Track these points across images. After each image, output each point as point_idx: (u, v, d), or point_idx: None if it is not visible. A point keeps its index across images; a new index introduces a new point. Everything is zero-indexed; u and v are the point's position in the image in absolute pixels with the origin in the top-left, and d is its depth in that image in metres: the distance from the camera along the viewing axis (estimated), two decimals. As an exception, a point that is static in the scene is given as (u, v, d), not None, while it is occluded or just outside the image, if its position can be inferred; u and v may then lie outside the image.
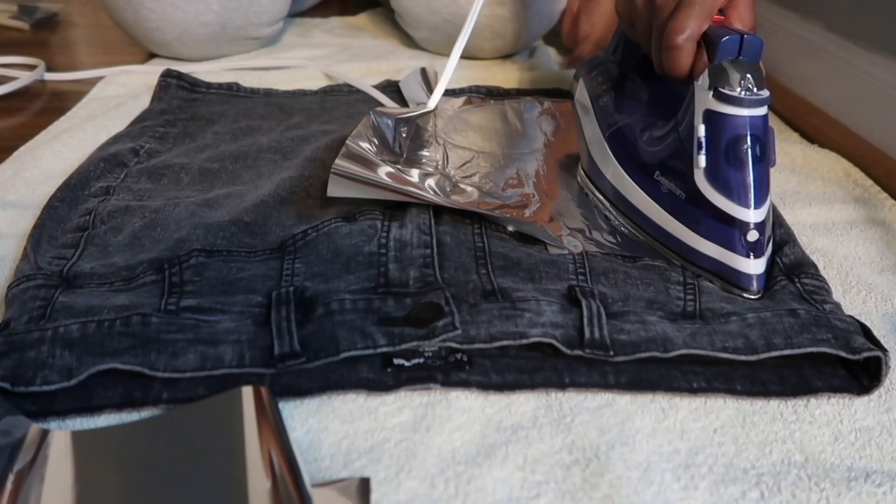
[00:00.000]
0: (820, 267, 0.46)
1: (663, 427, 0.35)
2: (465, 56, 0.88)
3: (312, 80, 0.79)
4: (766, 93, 0.42)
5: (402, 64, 0.85)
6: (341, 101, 0.71)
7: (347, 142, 0.48)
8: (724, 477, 0.32)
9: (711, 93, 0.42)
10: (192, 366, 0.35)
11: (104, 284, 0.41)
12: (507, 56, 0.90)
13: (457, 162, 0.57)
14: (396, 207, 0.47)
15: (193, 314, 0.38)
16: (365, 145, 0.50)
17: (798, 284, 0.42)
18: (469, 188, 0.53)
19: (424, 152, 0.58)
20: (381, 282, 0.40)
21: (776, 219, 0.49)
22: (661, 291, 0.42)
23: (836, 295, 0.42)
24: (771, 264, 0.44)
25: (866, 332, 0.38)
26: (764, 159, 0.42)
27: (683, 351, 0.36)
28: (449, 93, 0.73)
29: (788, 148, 0.65)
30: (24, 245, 0.44)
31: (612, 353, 0.36)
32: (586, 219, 0.50)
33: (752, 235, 0.42)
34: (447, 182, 0.53)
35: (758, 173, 0.42)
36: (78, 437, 0.32)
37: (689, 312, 0.40)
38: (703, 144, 0.42)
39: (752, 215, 0.42)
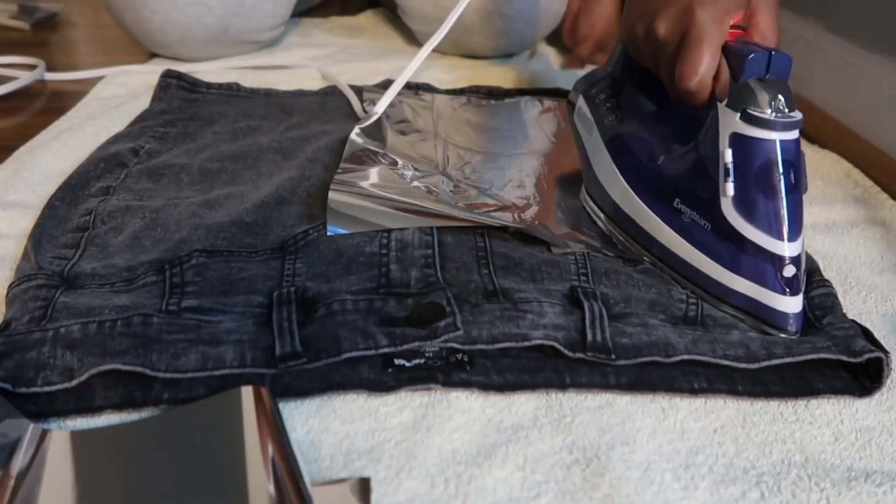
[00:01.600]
0: (820, 267, 0.46)
1: (663, 427, 0.35)
2: (466, 55, 0.88)
3: (312, 81, 0.79)
4: (798, 115, 0.39)
5: (402, 64, 0.85)
6: (341, 101, 0.71)
7: (336, 177, 0.48)
8: (724, 477, 0.32)
9: (739, 115, 0.39)
10: (194, 366, 0.35)
11: (105, 285, 0.41)
12: (507, 56, 0.90)
13: (457, 162, 0.57)
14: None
15: (194, 314, 0.38)
16: (355, 174, 0.50)
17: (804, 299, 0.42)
18: (469, 188, 0.53)
19: (425, 152, 0.58)
20: (383, 282, 0.40)
21: None
22: (663, 294, 0.42)
23: (837, 296, 0.42)
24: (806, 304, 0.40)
25: (867, 334, 0.38)
26: (798, 187, 0.39)
27: (685, 356, 0.37)
28: (449, 93, 0.73)
29: (788, 148, 0.65)
30: (24, 245, 0.44)
31: (613, 356, 0.36)
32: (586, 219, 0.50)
33: (789, 270, 0.38)
34: (447, 182, 0.53)
35: (792, 202, 0.39)
36: (77, 437, 0.32)
37: (691, 318, 0.40)
38: (731, 171, 0.39)
39: (788, 248, 0.38)
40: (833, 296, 0.42)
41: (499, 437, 0.34)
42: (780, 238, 0.39)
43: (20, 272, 0.41)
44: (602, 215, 0.49)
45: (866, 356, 0.36)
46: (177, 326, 0.36)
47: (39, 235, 0.45)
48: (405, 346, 0.36)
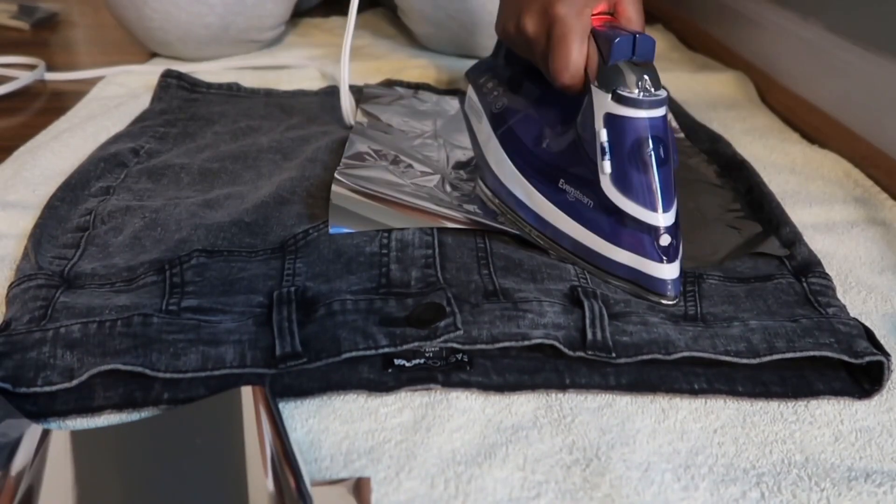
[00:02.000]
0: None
1: (663, 427, 0.35)
2: (467, 55, 0.88)
3: (312, 81, 0.79)
4: (663, 93, 0.41)
5: (402, 63, 0.85)
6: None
7: (336, 175, 0.48)
8: (724, 477, 0.32)
9: (610, 96, 0.41)
10: (194, 366, 0.35)
11: (105, 285, 0.41)
12: None
13: (457, 162, 0.57)
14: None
15: (195, 314, 0.38)
16: (357, 170, 0.50)
17: (805, 284, 0.42)
18: (470, 189, 0.53)
19: (425, 152, 0.58)
20: (383, 282, 0.40)
21: (783, 218, 0.49)
22: None
23: (837, 295, 0.42)
24: (683, 270, 0.42)
25: (870, 335, 0.38)
26: (667, 161, 0.41)
27: (685, 353, 0.36)
28: (449, 93, 0.73)
29: (788, 148, 0.65)
30: (24, 245, 0.44)
31: (614, 354, 0.36)
32: None
33: (665, 239, 0.41)
34: (447, 183, 0.53)
35: (663, 176, 0.41)
36: (77, 437, 0.32)
37: (691, 315, 0.40)
38: (607, 149, 0.41)
39: (662, 219, 0.41)
40: (833, 289, 0.42)
41: (499, 438, 0.34)
42: (655, 209, 0.41)
43: (20, 272, 0.41)
44: (496, 201, 0.50)
45: (867, 359, 0.36)
46: (177, 326, 0.36)
47: (39, 235, 0.45)
48: (405, 347, 0.36)
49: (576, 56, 0.43)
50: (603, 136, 0.41)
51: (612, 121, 0.41)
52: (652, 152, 0.41)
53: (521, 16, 0.46)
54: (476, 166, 0.54)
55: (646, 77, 0.41)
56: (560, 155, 0.46)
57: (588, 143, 0.43)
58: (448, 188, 0.52)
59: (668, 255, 0.41)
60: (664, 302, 0.41)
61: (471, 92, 0.56)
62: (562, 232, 0.44)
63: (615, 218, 0.41)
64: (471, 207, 0.50)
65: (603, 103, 0.41)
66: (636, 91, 0.41)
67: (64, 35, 1.02)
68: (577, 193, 0.43)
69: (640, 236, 0.41)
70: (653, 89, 0.41)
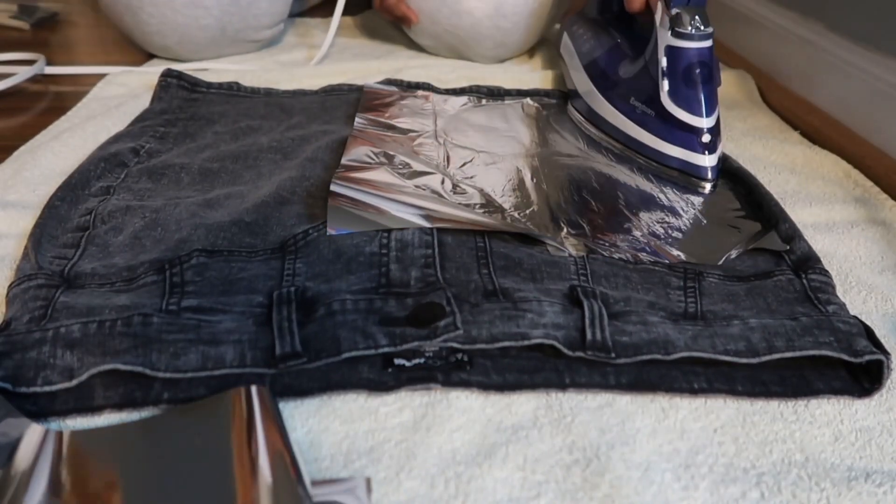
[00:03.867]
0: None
1: (663, 427, 0.35)
2: (466, 58, 0.88)
3: (313, 80, 0.79)
4: (710, 29, 0.55)
5: (402, 63, 0.85)
6: (342, 100, 0.71)
7: (334, 179, 0.48)
8: (724, 477, 0.32)
9: (669, 32, 0.55)
10: (194, 366, 0.35)
11: (105, 284, 0.41)
12: (503, 61, 0.90)
13: (457, 162, 0.57)
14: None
15: (194, 314, 0.38)
16: (357, 167, 0.50)
17: (805, 280, 0.42)
18: (470, 189, 0.53)
19: (425, 152, 0.58)
20: (383, 282, 0.40)
21: (782, 215, 0.49)
22: (662, 296, 0.42)
23: (837, 295, 0.42)
24: (722, 161, 0.56)
25: (869, 333, 0.38)
26: (711, 80, 0.55)
27: (685, 353, 0.36)
28: (449, 92, 0.73)
29: (788, 148, 0.65)
30: (24, 245, 0.44)
31: (613, 354, 0.36)
32: (585, 219, 0.50)
33: (706, 137, 0.54)
34: (447, 182, 0.53)
35: (707, 91, 0.54)
36: (78, 437, 0.32)
37: (691, 313, 0.40)
38: (665, 72, 0.55)
39: (705, 122, 0.54)
40: (832, 286, 0.42)
41: (499, 437, 0.34)
42: (700, 115, 0.55)
43: (20, 272, 0.41)
44: (584, 121, 0.65)
45: (867, 357, 0.36)
46: (177, 326, 0.36)
47: (40, 235, 0.45)
48: (405, 346, 0.36)
49: None
50: (663, 62, 0.55)
51: (670, 51, 0.55)
52: (699, 73, 0.54)
53: None
54: (569, 95, 0.70)
55: (697, 17, 0.55)
56: (632, 79, 0.60)
57: (653, 68, 0.57)
58: (447, 188, 0.52)
59: (709, 148, 0.55)
60: (704, 184, 0.54)
61: (565, 38, 0.73)
62: (632, 137, 0.59)
63: (671, 123, 0.55)
64: (471, 205, 0.50)
65: (665, 38, 0.55)
66: (689, 28, 0.54)
67: (64, 35, 1.02)
68: (644, 107, 0.58)
69: (688, 136, 0.55)
70: (702, 27, 0.54)
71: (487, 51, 0.86)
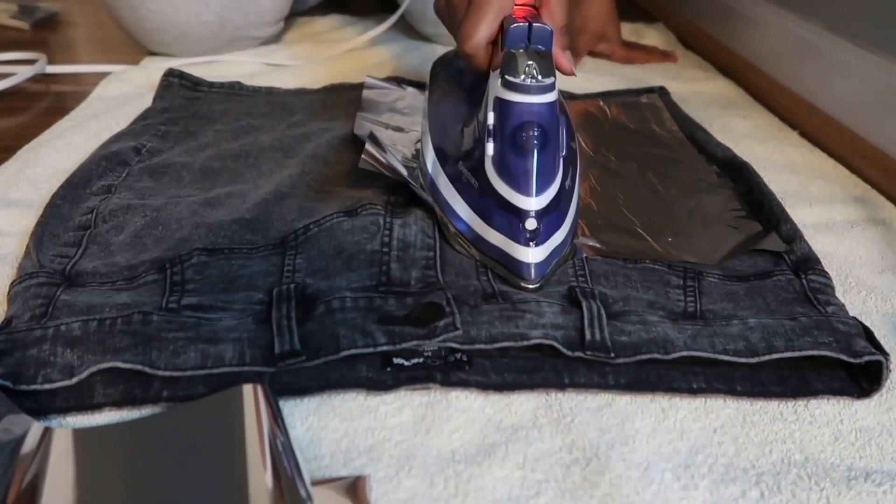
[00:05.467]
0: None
1: (663, 427, 0.35)
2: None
3: (313, 79, 0.79)
4: (550, 79, 0.42)
5: (403, 63, 0.85)
6: (343, 98, 0.71)
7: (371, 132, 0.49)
8: (724, 476, 0.32)
9: (500, 80, 0.42)
10: (193, 364, 0.35)
11: (106, 283, 0.41)
12: None
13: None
14: (397, 203, 0.47)
15: (194, 312, 0.38)
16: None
17: (804, 281, 0.42)
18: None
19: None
20: (383, 280, 0.40)
21: (783, 215, 0.49)
22: (661, 295, 0.42)
23: (837, 295, 0.43)
24: (553, 256, 0.43)
25: (868, 334, 0.38)
26: (548, 147, 0.42)
27: (684, 353, 0.36)
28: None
29: (788, 148, 0.65)
30: (26, 243, 0.45)
31: (612, 354, 0.36)
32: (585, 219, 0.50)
33: (531, 224, 0.41)
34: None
35: (542, 161, 0.41)
36: (79, 435, 0.32)
37: (690, 313, 0.40)
38: (492, 132, 0.42)
39: (532, 203, 0.41)
40: (832, 287, 0.42)
41: (498, 437, 0.34)
42: (527, 194, 0.41)
43: (22, 270, 0.41)
44: (421, 180, 0.50)
45: (866, 358, 0.36)
46: (176, 324, 0.36)
47: (41, 233, 0.45)
48: (404, 345, 0.36)
49: (483, 28, 0.44)
50: (490, 119, 0.42)
51: (500, 105, 0.42)
52: (530, 137, 0.41)
53: None
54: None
55: (533, 63, 0.41)
56: (463, 139, 0.47)
57: (481, 126, 0.44)
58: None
59: (534, 239, 0.41)
60: (524, 285, 0.41)
61: (429, 79, 0.57)
62: (454, 211, 0.45)
63: (493, 200, 0.42)
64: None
65: (495, 88, 0.42)
66: (521, 77, 0.41)
67: (64, 35, 1.02)
68: (469, 175, 0.44)
69: (510, 219, 0.42)
70: (540, 76, 0.41)
71: None
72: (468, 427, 0.34)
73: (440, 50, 0.90)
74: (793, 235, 0.47)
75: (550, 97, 0.42)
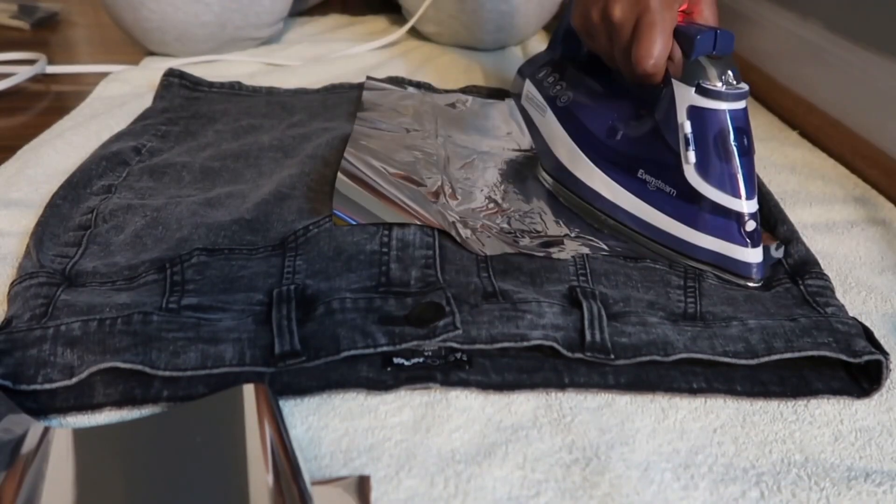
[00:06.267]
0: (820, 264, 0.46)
1: (663, 427, 0.35)
2: (466, 46, 0.89)
3: (313, 79, 0.79)
4: (745, 86, 0.43)
5: (403, 63, 0.85)
6: (343, 98, 0.71)
7: (342, 166, 0.49)
8: (723, 476, 0.32)
9: (694, 89, 0.43)
10: (193, 364, 0.35)
11: (106, 283, 0.41)
12: (504, 47, 0.91)
13: (458, 163, 0.57)
14: None
15: (195, 312, 0.38)
16: (361, 166, 0.51)
17: (802, 286, 0.42)
18: (471, 190, 0.53)
19: (426, 150, 0.58)
20: (383, 280, 0.40)
21: (781, 216, 0.49)
22: (662, 295, 0.42)
23: (837, 295, 0.43)
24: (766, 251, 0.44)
25: (868, 334, 0.38)
26: (749, 150, 0.43)
27: (684, 355, 0.36)
28: (449, 92, 0.73)
29: (788, 148, 0.65)
30: (26, 243, 0.45)
31: (612, 356, 0.36)
32: (588, 219, 0.50)
33: (750, 225, 0.43)
34: (447, 183, 0.53)
35: (746, 164, 0.43)
36: (79, 435, 0.32)
37: (690, 314, 0.40)
38: (691, 140, 0.43)
39: (747, 206, 0.43)
40: (831, 290, 0.42)
41: (498, 437, 0.34)
42: (740, 197, 0.43)
43: (22, 270, 0.41)
44: (564, 191, 0.52)
45: (866, 358, 0.36)
46: (176, 324, 0.36)
47: (41, 233, 0.45)
48: (404, 345, 0.36)
49: (661, 45, 0.44)
50: (687, 127, 0.43)
51: (695, 113, 0.43)
52: (735, 142, 0.42)
53: (608, 3, 0.46)
54: (536, 158, 0.57)
55: (729, 72, 0.43)
56: (637, 146, 0.47)
57: (670, 134, 0.44)
58: (447, 189, 0.52)
59: (753, 239, 0.43)
60: (750, 284, 0.43)
61: (529, 87, 0.58)
62: (641, 220, 0.46)
63: (699, 205, 0.43)
64: (473, 208, 0.50)
65: (686, 96, 0.43)
66: (719, 84, 0.42)
67: (64, 35, 1.02)
68: (659, 183, 0.45)
69: (725, 222, 0.43)
70: (735, 82, 0.43)
71: (488, 35, 0.88)
72: (468, 427, 0.34)
73: (440, 50, 0.90)
74: (790, 237, 0.47)
75: (745, 103, 0.43)
